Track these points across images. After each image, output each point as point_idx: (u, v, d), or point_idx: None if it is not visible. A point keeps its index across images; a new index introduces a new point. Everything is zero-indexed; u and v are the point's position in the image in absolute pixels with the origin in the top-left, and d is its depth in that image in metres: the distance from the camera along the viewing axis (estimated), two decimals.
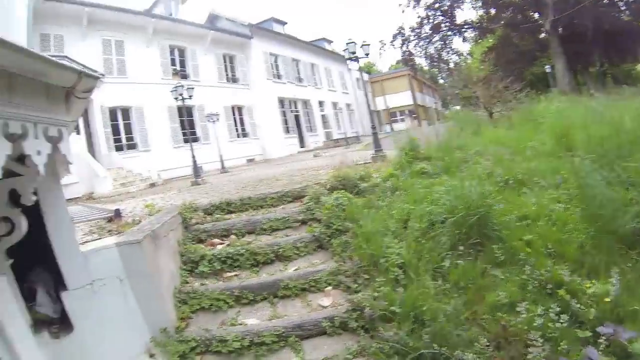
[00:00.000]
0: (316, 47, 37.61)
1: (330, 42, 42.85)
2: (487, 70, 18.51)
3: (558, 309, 3.62)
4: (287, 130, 29.82)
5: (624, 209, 4.46)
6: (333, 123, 36.02)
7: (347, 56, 14.17)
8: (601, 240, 4.32)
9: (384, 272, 4.52)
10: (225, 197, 7.14)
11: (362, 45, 14.10)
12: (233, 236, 5.98)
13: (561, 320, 3.50)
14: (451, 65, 35.15)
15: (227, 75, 26.88)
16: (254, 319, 4.55)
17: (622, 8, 28.53)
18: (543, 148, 7.26)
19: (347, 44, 13.81)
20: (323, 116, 34.81)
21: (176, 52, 23.86)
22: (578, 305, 3.63)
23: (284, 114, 29.90)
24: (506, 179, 6.11)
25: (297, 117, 31.41)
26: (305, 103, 32.81)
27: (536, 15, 31.88)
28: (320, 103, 34.87)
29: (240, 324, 4.49)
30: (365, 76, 42.29)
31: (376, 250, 4.74)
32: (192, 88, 16.96)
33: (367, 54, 14.22)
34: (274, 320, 4.45)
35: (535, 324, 3.52)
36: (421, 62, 38.43)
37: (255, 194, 7.15)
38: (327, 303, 4.60)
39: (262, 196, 7.03)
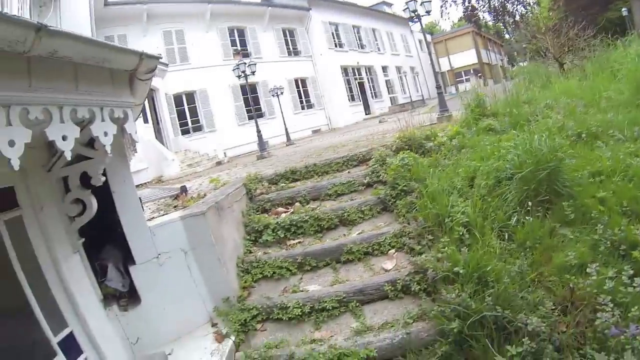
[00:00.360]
0: (376, 11, 36.59)
1: (390, 4, 41.49)
2: (557, 19, 16.99)
3: (631, 271, 3.37)
4: (352, 98, 29.56)
5: None
6: (398, 88, 35.18)
7: (407, 16, 13.64)
8: None
9: (449, 232, 4.44)
10: (290, 166, 7.21)
11: (423, 2, 13.50)
12: (297, 204, 6.09)
13: (634, 284, 3.26)
14: (517, 17, 32.74)
15: (288, 49, 26.95)
16: (316, 285, 4.66)
17: None
18: (620, 98, 6.68)
19: (406, 2, 13.28)
20: (387, 81, 34.06)
21: (235, 33, 24.21)
22: None
23: (347, 82, 29.58)
24: (579, 133, 5.73)
25: (361, 84, 30.97)
26: (369, 69, 32.21)
27: None
28: (384, 68, 34.07)
29: (302, 291, 4.60)
30: (428, 37, 40.68)
31: (441, 210, 4.64)
32: (254, 64, 17.16)
33: (428, 12, 13.57)
34: (335, 286, 4.52)
35: (605, 287, 3.32)
36: (485, 16, 36.15)
37: (320, 161, 7.17)
38: (390, 266, 4.60)
39: (327, 162, 7.04)
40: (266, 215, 5.95)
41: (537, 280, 3.77)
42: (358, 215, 5.48)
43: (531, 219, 4.23)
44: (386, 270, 4.57)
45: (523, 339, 3.17)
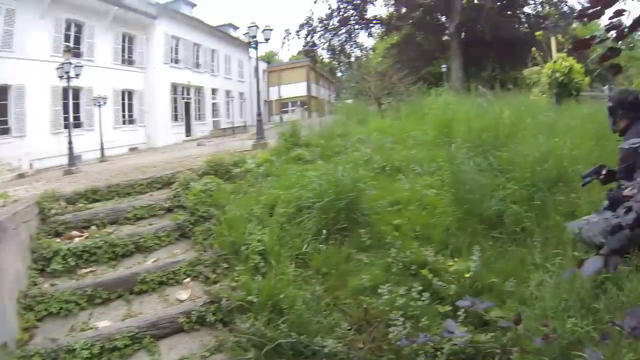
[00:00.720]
0: (221, 32, 36.34)
1: (236, 28, 41.58)
2: (387, 65, 18.85)
3: (420, 287, 3.70)
4: (175, 118, 28.37)
5: (491, 194, 4.70)
6: (223, 112, 34.80)
7: (246, 40, 13.76)
8: (467, 222, 4.51)
9: (244, 260, 4.28)
10: (92, 185, 6.49)
11: (264, 30, 13.74)
12: (94, 227, 5.36)
13: (423, 299, 3.59)
14: (352, 58, 35.53)
15: (123, 56, 24.99)
16: (107, 321, 4.06)
17: (522, 20, 31.02)
18: (425, 137, 7.41)
19: (248, 27, 13.38)
20: (214, 104, 33.52)
21: (72, 27, 21.53)
22: (440, 283, 3.75)
23: (174, 100, 28.40)
24: (383, 166, 6.14)
25: (187, 105, 29.96)
26: (199, 90, 31.39)
27: (443, 18, 33.35)
28: (214, 90, 33.53)
29: (91, 328, 3.95)
30: (264, 65, 41.73)
31: (238, 238, 4.48)
32: (81, 66, 15.58)
33: (267, 39, 13.88)
34: (127, 320, 3.99)
35: (396, 304, 3.56)
36: (323, 53, 38.56)
37: (124, 181, 6.62)
38: (185, 296, 4.24)
39: (130, 183, 6.50)
40: (58, 240, 5.10)
41: (332, 304, 3.82)
42: (155, 242, 5.03)
43: (326, 247, 4.33)
44: (181, 301, 4.20)
45: None
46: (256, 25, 13.12)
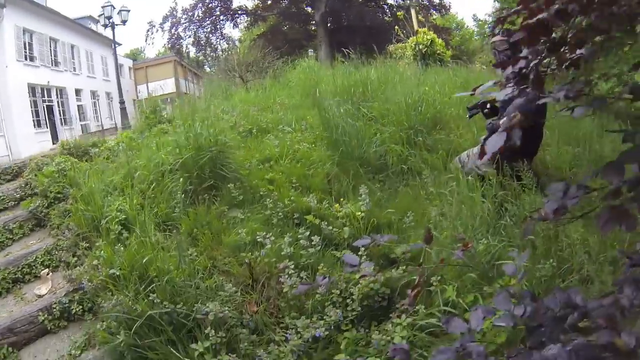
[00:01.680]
0: (80, 25, 33.05)
1: (97, 21, 38.22)
2: (253, 57, 18.44)
3: (307, 233, 3.39)
4: (39, 124, 25.32)
5: (368, 140, 4.61)
6: (90, 114, 31.77)
7: (102, 22, 12.58)
8: (347, 167, 4.35)
9: (105, 235, 3.79)
10: None
11: (121, 10, 12.65)
12: None
13: (313, 243, 3.26)
14: (219, 51, 34.62)
15: None
16: None
17: (385, 8, 32.08)
18: (291, 102, 7.25)
19: (102, 7, 12.23)
20: (79, 106, 30.57)
21: None
22: (330, 228, 3.46)
23: (34, 104, 25.35)
24: (250, 129, 5.88)
25: (49, 108, 27.05)
26: (60, 91, 28.27)
27: (309, 9, 33.86)
28: (77, 91, 30.55)
29: None
30: (129, 62, 39.41)
31: (96, 212, 4.01)
32: None
33: (124, 21, 12.90)
34: None
35: (283, 253, 3.24)
36: (189, 47, 37.40)
37: None
38: (45, 290, 3.71)
39: None
40: None
41: (210, 266, 3.43)
42: (6, 236, 4.40)
43: (194, 209, 3.98)
44: (40, 296, 3.65)
45: (207, 331, 2.73)
46: (111, 5, 12.03)
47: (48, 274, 3.84)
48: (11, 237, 4.38)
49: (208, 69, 44.03)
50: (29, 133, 23.52)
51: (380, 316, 2.75)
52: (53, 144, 25.49)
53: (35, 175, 5.08)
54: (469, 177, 3.46)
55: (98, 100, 32.56)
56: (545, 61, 1.37)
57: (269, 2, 33.97)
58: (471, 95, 1.57)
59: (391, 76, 6.98)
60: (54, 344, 3.28)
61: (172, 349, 2.73)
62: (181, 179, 4.16)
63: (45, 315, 3.34)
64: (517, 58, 1.37)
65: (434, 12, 29.72)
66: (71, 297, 3.41)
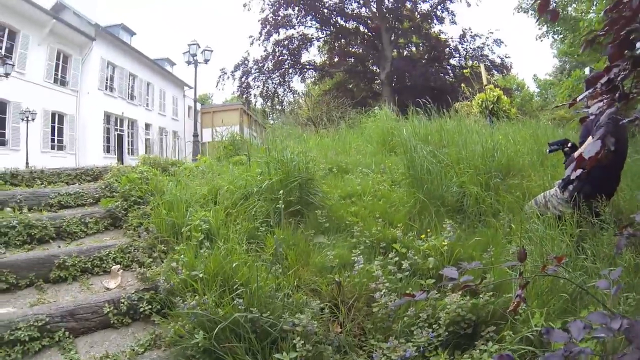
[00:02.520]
0: (157, 65, 35.54)
1: (173, 64, 40.98)
2: (320, 113, 18.76)
3: (397, 258, 3.44)
4: (108, 150, 26.83)
5: (447, 181, 4.68)
6: (156, 149, 33.40)
7: (185, 59, 13.36)
8: (428, 204, 4.34)
9: (186, 240, 3.79)
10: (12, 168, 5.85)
11: (204, 50, 13.48)
12: (8, 209, 4.62)
13: (403, 269, 3.33)
14: (285, 104, 35.69)
15: (56, 75, 23.29)
16: (10, 307, 3.26)
17: (448, 69, 32.86)
18: (367, 149, 7.33)
19: (189, 45, 13.06)
20: (147, 140, 32.09)
21: (6, 33, 19.75)
22: (415, 257, 3.46)
23: (107, 130, 26.98)
24: (329, 168, 5.93)
25: (120, 137, 28.61)
26: (132, 123, 30.04)
27: (374, 68, 34.85)
28: (147, 126, 32.30)
29: None
30: (198, 106, 41.47)
31: (178, 218, 4.01)
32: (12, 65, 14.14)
33: (207, 60, 13.66)
34: (36, 307, 3.21)
35: (374, 274, 3.21)
36: (257, 97, 38.59)
37: (48, 169, 6.04)
38: (114, 285, 3.65)
39: (56, 171, 5.91)
40: None
41: (295, 283, 3.36)
42: (80, 228, 4.42)
43: (279, 229, 3.95)
44: (108, 289, 3.58)
45: (295, 341, 2.61)
46: (197, 44, 12.85)
47: (119, 270, 3.81)
48: (85, 230, 4.42)
49: (272, 121, 45.31)
50: (98, 156, 24.90)
51: (464, 344, 2.65)
52: None
53: (117, 180, 5.18)
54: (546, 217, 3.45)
55: (165, 137, 34.35)
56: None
57: (337, 59, 35.15)
58: (570, 106, 1.77)
59: (464, 127, 7.02)
60: (114, 338, 3.14)
61: (251, 358, 2.63)
62: (269, 200, 4.25)
63: (111, 308, 3.22)
64: (608, 68, 1.52)
65: (496, 72, 30.01)
66: (141, 295, 3.32)
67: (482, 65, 13.95)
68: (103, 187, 5.21)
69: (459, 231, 3.91)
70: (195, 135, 11.70)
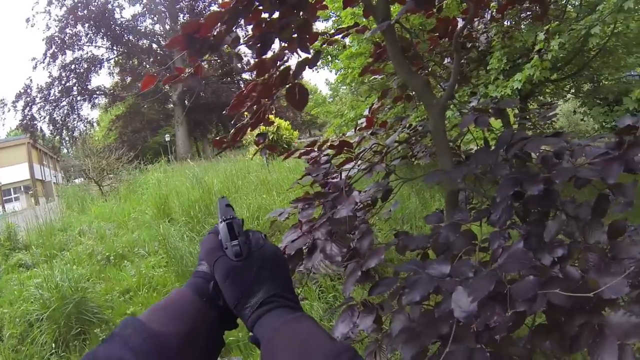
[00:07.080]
0: None
1: None
2: (114, 139, 18.13)
3: None
4: None
5: None
6: None
7: None
8: None
9: None
10: None
11: None
12: None
13: None
14: (76, 133, 33.35)
15: None
16: None
17: (241, 84, 33.43)
18: (144, 218, 7.78)
19: None
20: None
21: None
22: None
23: None
24: (107, 256, 6.33)
25: None
26: None
27: (166, 87, 34.38)
28: None
29: None
30: None
31: None
32: None
33: None
34: None
35: None
36: (44, 128, 35.00)
37: None
38: None
39: None
40: None
41: None
42: None
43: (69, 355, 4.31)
44: None
45: None
46: None
47: None
48: None
49: (66, 150, 40.96)
50: None
51: None
52: None
53: None
54: None
55: None
56: None
57: (129, 79, 33.85)
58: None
59: (235, 180, 7.81)
60: None
61: None
62: (51, 331, 4.50)
63: None
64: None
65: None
66: None
67: None
68: None
69: None
70: None
